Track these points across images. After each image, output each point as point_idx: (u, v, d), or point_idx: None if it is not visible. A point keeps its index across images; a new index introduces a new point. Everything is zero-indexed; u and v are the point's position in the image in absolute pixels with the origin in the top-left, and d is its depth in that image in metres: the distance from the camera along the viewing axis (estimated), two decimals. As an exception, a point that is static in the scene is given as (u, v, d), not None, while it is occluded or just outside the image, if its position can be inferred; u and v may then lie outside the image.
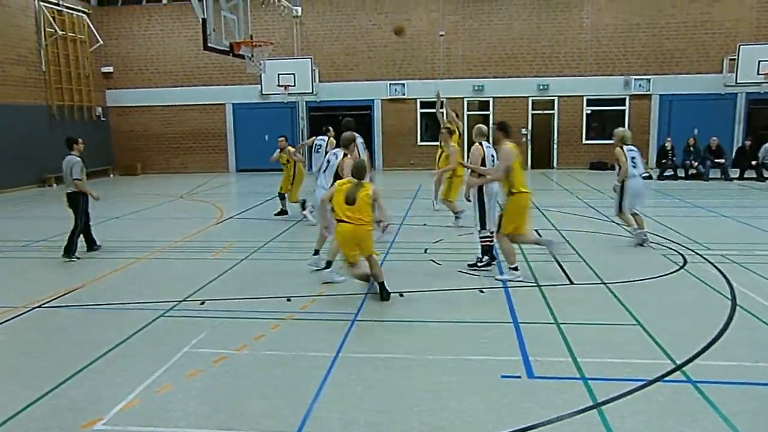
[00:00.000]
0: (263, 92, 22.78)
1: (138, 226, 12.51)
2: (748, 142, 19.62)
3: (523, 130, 22.83)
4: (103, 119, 24.29)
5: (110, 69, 24.40)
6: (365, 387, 4.72)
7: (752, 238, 9.90)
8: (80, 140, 9.74)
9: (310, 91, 22.50)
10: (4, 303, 7.01)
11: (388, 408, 4.35)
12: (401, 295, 7.08)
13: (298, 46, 23.15)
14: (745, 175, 18.62)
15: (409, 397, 4.52)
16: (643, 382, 4.66)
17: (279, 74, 21.91)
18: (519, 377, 4.83)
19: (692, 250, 8.98)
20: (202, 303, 6.93)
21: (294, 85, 22.24)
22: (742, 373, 4.82)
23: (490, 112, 23.05)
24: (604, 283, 7.38)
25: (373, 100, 23.48)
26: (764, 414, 4.20)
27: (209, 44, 13.60)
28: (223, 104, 24.19)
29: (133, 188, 20.03)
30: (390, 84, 23.18)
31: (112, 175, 24.27)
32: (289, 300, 6.95)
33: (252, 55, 15.51)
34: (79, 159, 9.49)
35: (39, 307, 6.92)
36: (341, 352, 5.39)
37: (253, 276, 8.23)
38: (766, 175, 18.15)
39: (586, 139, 22.77)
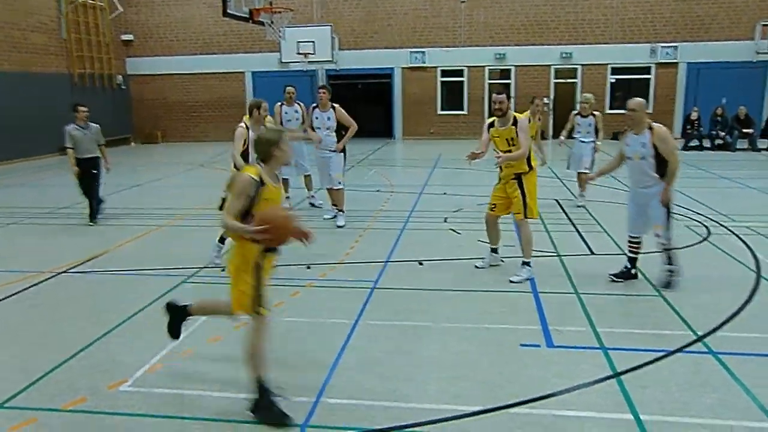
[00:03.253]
0: (283, 60, 22.50)
1: (159, 194, 12.65)
2: (777, 113, 19.17)
3: (546, 99, 22.48)
4: (123, 87, 24.34)
5: (130, 37, 24.39)
6: (384, 354, 4.75)
7: (779, 210, 9.73)
8: (81, 107, 9.44)
9: (330, 59, 22.26)
10: (31, 268, 7.14)
11: (406, 375, 4.38)
12: (420, 264, 7.10)
13: (318, 14, 22.90)
14: (775, 146, 18.24)
15: (427, 365, 4.55)
16: (664, 353, 4.63)
17: (298, 42, 21.68)
18: (538, 346, 4.83)
19: (716, 222, 8.85)
20: (223, 269, 6.96)
21: (314, 53, 21.98)
22: (764, 345, 4.78)
23: (512, 81, 22.72)
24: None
25: (393, 68, 23.23)
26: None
27: (229, 11, 13.54)
28: (243, 72, 24.10)
29: (153, 156, 20.22)
30: (411, 52, 22.89)
31: (133, 144, 24.41)
32: (308, 268, 6.96)
33: (272, 22, 15.41)
34: (70, 127, 9.30)
35: (65, 272, 7.04)
36: (360, 319, 5.43)
37: None
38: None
39: (610, 108, 22.33)
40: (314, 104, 9.47)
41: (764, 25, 20.61)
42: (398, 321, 5.41)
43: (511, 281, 6.38)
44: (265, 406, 3.80)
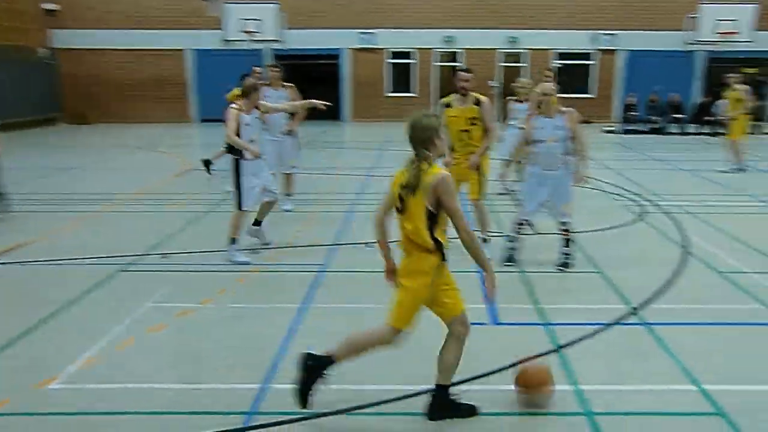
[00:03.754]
0: (226, 38, 21.90)
1: (93, 178, 12.17)
2: (706, 99, 20.03)
3: (492, 83, 22.80)
4: (49, 62, 22.41)
5: (54, 6, 22.47)
6: (333, 337, 4.63)
7: (706, 190, 10.29)
8: None
9: (277, 38, 21.84)
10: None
11: (359, 358, 4.43)
12: (367, 246, 7.14)
13: (264, -10, 22.36)
14: (703, 130, 19.09)
15: (376, 346, 4.61)
16: (601, 326, 4.86)
17: (242, 19, 21.15)
18: (484, 324, 4.96)
19: (650, 201, 9.25)
20: (164, 256, 6.81)
21: (259, 32, 21.48)
22: (691, 315, 5.10)
23: (461, 64, 22.91)
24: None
25: (341, 49, 23.01)
26: (712, 351, 4.46)
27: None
28: (183, 50, 23.11)
29: (83, 138, 19.21)
30: (359, 33, 22.71)
31: (61, 124, 22.74)
32: (256, 252, 6.92)
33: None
34: None
35: (-17, 263, 6.58)
36: (308, 303, 5.42)
37: (219, 228, 7.82)
38: (720, 130, 18.59)
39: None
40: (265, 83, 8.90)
41: (692, 17, 21.42)
42: (347, 304, 5.45)
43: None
44: (451, 405, 3.70)
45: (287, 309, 5.28)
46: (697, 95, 22.05)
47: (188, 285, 5.93)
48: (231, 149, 6.94)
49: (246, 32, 21.30)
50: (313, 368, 3.65)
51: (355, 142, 18.83)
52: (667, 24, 22.11)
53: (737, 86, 12.61)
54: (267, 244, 7.15)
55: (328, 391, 3.74)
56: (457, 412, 3.69)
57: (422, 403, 3.72)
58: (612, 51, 22.60)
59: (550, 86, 6.15)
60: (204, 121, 23.16)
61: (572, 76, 22.81)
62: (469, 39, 22.54)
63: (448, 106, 6.62)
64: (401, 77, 23.40)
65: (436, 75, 23.17)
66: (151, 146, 16.85)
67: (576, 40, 22.43)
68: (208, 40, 22.38)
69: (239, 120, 6.43)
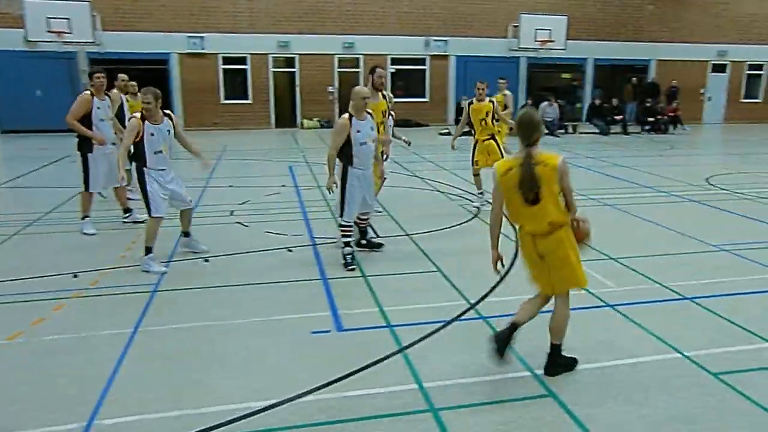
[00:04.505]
0: (29, 38, 19.03)
1: None
2: (529, 102, 21.66)
3: (330, 88, 22.95)
4: None
5: None
6: (169, 360, 4.45)
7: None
8: None
9: (92, 40, 19.71)
10: None
11: (195, 379, 4.17)
12: (206, 260, 6.81)
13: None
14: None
15: (219, 365, 4.37)
16: (442, 323, 4.99)
17: (49, 18, 18.83)
18: (329, 331, 4.90)
19: (485, 200, 9.72)
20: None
21: (70, 32, 19.15)
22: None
23: (296, 70, 22.81)
24: (408, 235, 7.74)
25: (169, 53, 21.83)
26: (540, 336, 4.65)
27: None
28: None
29: None
30: (188, 37, 21.64)
31: None
32: (75, 276, 6.23)
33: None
34: None
35: None
36: (140, 326, 5.02)
37: (29, 253, 7.20)
38: (545, 132, 20.21)
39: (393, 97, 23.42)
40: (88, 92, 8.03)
41: (514, 26, 23.11)
42: (183, 323, 5.11)
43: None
44: (565, 363, 4.22)
45: (115, 335, 4.84)
46: (522, 98, 23.72)
47: (-6, 319, 5.22)
48: (136, 157, 6.43)
49: (53, 32, 19.09)
50: (505, 339, 4.04)
51: (185, 153, 17.97)
52: (492, 31, 23.60)
53: (506, 92, 14.04)
54: (206, 252, 7.00)
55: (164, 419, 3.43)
56: (569, 366, 4.23)
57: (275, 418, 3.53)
58: (444, 56, 23.68)
59: (366, 90, 6.60)
60: (7, 132, 20.42)
61: (408, 81, 23.62)
62: (304, 44, 22.46)
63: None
64: (236, 84, 22.79)
65: (272, 81, 22.85)
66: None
67: (409, 45, 23.21)
68: (7, 39, 19.56)
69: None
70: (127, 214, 8.56)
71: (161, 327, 5.05)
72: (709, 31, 25.88)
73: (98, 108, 7.89)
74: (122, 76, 9.98)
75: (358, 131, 6.37)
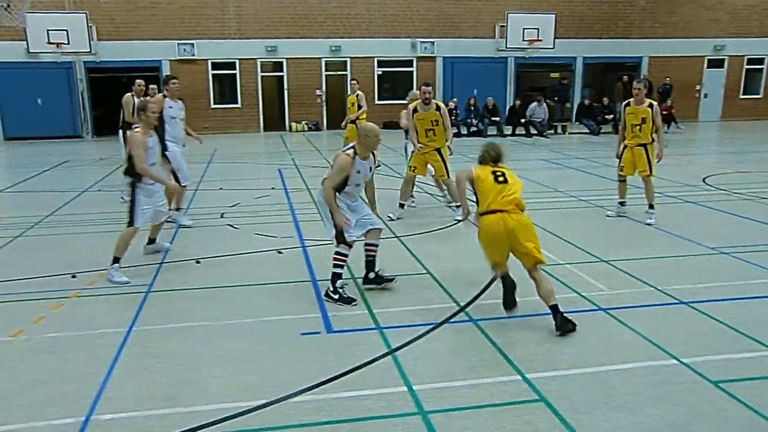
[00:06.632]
0: (30, 50, 20.00)
1: None
2: (517, 102, 21.76)
3: (318, 92, 23.01)
4: None
5: None
6: (162, 360, 4.54)
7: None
8: None
9: (88, 50, 20.32)
10: None
11: (187, 378, 4.24)
12: (198, 262, 6.88)
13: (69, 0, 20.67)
14: (516, 132, 20.72)
15: (209, 365, 4.44)
16: (432, 325, 5.04)
17: (48, 30, 19.49)
18: (318, 333, 4.97)
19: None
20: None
21: (68, 43, 19.87)
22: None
23: (284, 74, 22.84)
24: (397, 237, 7.81)
25: (160, 60, 21.86)
26: (534, 341, 4.79)
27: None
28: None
29: None
30: (179, 44, 21.75)
31: None
32: (74, 276, 6.40)
33: (8, 6, 13.60)
34: None
35: None
36: (135, 326, 5.12)
37: (30, 254, 7.43)
38: (533, 132, 20.31)
39: (379, 99, 23.50)
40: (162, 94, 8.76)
41: (501, 26, 23.16)
42: (176, 324, 5.20)
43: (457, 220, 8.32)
44: (569, 320, 4.90)
45: (111, 334, 4.94)
46: (509, 98, 23.82)
47: (-4, 318, 5.34)
48: (130, 172, 6.41)
49: (53, 43, 19.64)
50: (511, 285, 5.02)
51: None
52: (479, 32, 23.64)
53: (359, 92, 14.12)
54: (169, 248, 7.31)
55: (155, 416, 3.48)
56: (574, 323, 4.86)
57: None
58: (431, 58, 23.74)
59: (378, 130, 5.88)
60: (10, 139, 21.07)
61: (396, 83, 23.68)
62: (292, 48, 22.50)
63: (415, 110, 8.68)
64: (225, 88, 22.83)
65: (260, 85, 22.88)
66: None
67: (396, 47, 23.28)
68: (10, 51, 20.24)
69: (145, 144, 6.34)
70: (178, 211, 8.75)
71: (155, 327, 5.13)
72: (705, 25, 25.04)
73: (170, 107, 8.53)
74: (139, 81, 10.79)
75: (358, 172, 5.68)
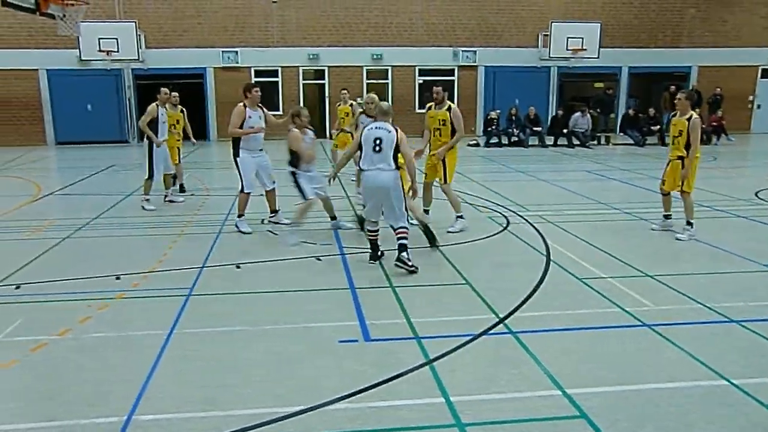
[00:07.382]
0: (82, 58, 20.78)
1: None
2: (560, 112, 21.49)
3: (359, 100, 23.07)
4: None
5: None
6: (201, 362, 4.60)
7: (563, 199, 10.94)
8: None
9: (136, 57, 20.99)
10: None
11: (226, 382, 4.28)
12: (238, 267, 6.96)
13: (121, 9, 21.36)
14: (558, 142, 20.44)
15: (247, 370, 4.47)
16: (470, 337, 4.98)
17: (99, 38, 20.20)
18: (356, 341, 4.95)
19: (513, 212, 9.70)
20: (17, 287, 6.29)
21: (117, 51, 20.57)
22: (552, 322, 5.33)
23: (326, 82, 23.05)
24: (437, 246, 7.76)
25: (205, 68, 22.39)
26: (574, 355, 4.70)
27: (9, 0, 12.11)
28: (36, 70, 21.59)
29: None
30: (222, 51, 22.24)
31: None
32: (118, 278, 6.53)
33: (64, 15, 14.10)
34: None
35: None
36: (176, 328, 5.20)
37: (77, 255, 7.64)
38: (575, 142, 20.01)
39: (419, 108, 23.51)
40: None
41: (545, 35, 22.95)
42: (216, 327, 5.26)
43: (449, 232, 8.34)
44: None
45: (153, 336, 5.02)
46: (552, 109, 23.57)
47: (44, 316, 5.52)
48: (293, 162, 8.24)
49: (103, 51, 20.34)
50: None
51: (222, 162, 18.31)
52: (522, 41, 23.48)
53: (353, 102, 13.94)
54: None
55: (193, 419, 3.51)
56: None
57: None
58: (473, 67, 23.66)
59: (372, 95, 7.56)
60: (60, 144, 21.91)
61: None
62: (334, 56, 22.72)
63: (429, 108, 8.70)
64: (267, 96, 23.11)
65: (301, 93, 23.14)
66: (3, 171, 15.54)
67: (438, 56, 23.27)
68: (63, 59, 21.09)
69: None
70: (273, 215, 9.20)
71: (195, 330, 5.20)
72: (758, 33, 24.27)
73: (250, 117, 8.83)
74: (164, 89, 10.80)
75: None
